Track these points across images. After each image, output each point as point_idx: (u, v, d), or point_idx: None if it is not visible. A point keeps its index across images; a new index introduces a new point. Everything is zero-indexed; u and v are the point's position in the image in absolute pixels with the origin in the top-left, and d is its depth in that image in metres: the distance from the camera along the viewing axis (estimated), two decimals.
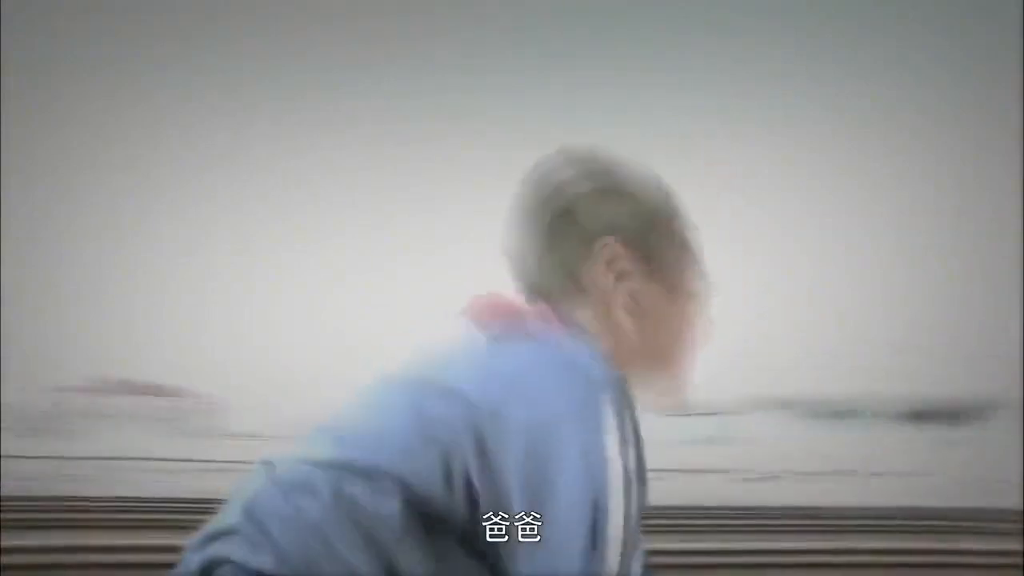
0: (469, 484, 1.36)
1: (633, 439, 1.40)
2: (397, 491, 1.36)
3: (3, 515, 10.56)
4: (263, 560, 1.37)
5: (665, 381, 1.60)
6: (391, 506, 1.36)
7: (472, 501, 1.36)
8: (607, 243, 1.55)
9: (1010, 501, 10.83)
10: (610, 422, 1.37)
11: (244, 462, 17.22)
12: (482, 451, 1.35)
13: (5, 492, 13.48)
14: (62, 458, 25.80)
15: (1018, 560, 7.81)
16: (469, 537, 1.37)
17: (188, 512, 10.27)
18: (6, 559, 8.07)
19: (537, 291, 1.57)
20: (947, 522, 10.29)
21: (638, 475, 1.40)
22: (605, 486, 1.34)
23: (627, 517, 1.36)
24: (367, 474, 1.37)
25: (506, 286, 1.60)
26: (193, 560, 1.42)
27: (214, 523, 1.44)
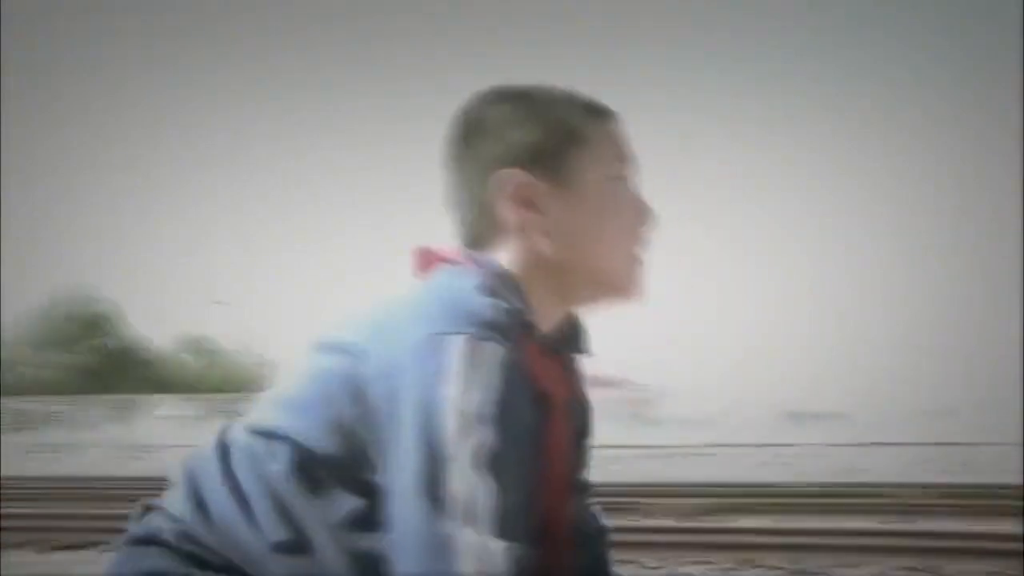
0: (353, 434, 1.32)
1: (498, 387, 1.27)
2: (288, 450, 1.36)
3: None
4: (184, 510, 1.42)
5: (617, 297, 1.50)
6: (280, 464, 1.36)
7: (359, 453, 1.33)
8: (505, 175, 1.43)
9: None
10: (452, 362, 1.27)
11: None
12: (358, 398, 1.32)
13: None
14: None
15: (1018, 545, 7.62)
16: (367, 491, 1.34)
17: None
18: None
19: (463, 235, 1.49)
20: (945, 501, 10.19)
21: (498, 425, 1.26)
22: (440, 433, 1.25)
23: (469, 470, 1.24)
24: (268, 435, 1.39)
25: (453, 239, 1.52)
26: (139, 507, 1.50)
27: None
